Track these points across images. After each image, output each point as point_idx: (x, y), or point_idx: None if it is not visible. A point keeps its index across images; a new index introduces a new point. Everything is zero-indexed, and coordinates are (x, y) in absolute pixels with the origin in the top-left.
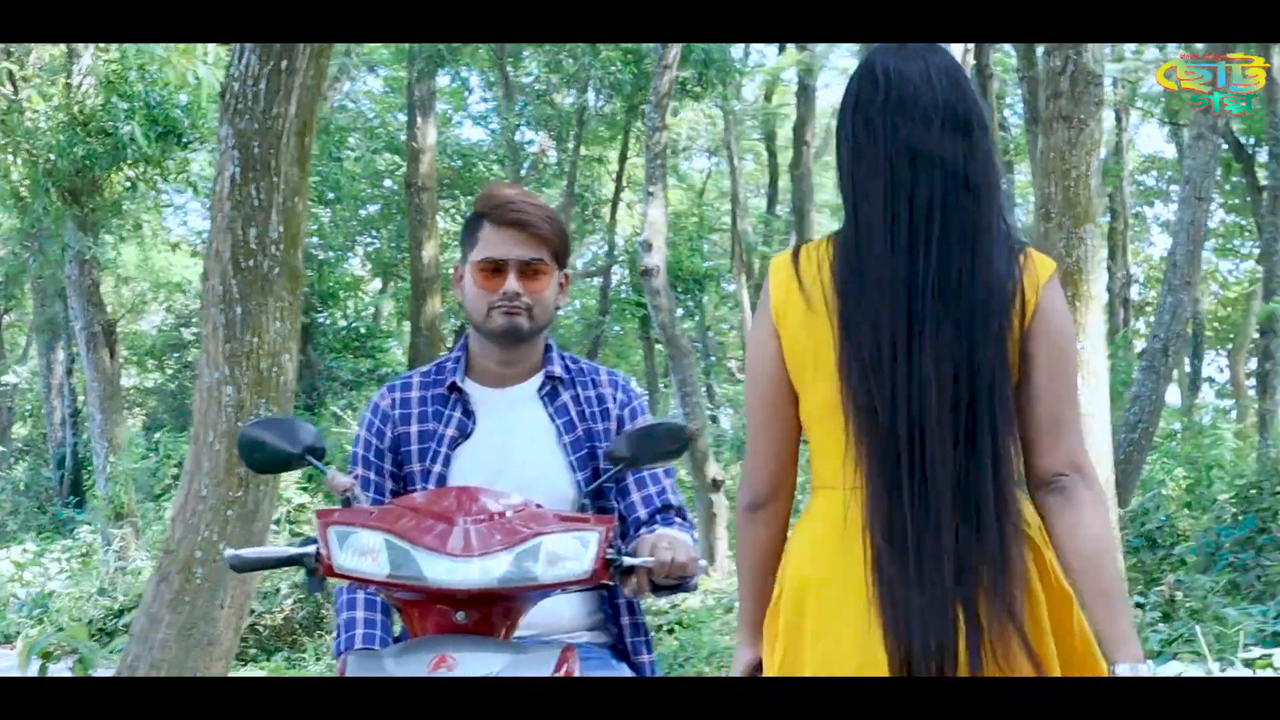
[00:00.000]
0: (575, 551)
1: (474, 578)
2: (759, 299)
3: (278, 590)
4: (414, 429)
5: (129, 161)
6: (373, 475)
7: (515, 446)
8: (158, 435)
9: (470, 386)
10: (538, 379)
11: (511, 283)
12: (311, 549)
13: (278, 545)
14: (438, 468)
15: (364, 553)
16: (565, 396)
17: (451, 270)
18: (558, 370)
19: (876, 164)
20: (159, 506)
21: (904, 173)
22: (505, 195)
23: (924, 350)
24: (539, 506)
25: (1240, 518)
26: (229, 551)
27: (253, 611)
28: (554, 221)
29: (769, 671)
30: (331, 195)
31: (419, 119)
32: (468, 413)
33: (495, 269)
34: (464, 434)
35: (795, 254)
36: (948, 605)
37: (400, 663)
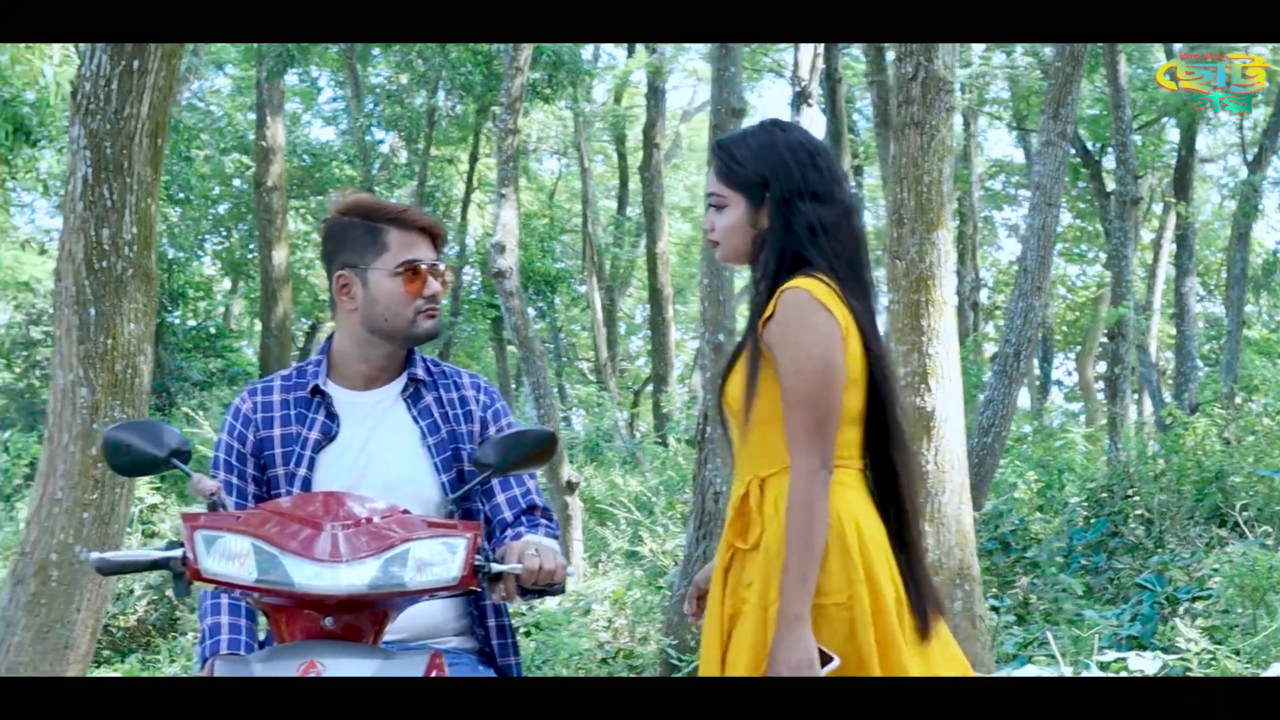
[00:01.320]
0: (443, 558)
1: (342, 583)
2: (808, 315)
3: (131, 591)
4: (277, 432)
5: None
6: (235, 479)
7: (379, 449)
8: (6, 435)
9: (333, 389)
10: (400, 382)
11: (433, 285)
12: (178, 553)
13: (142, 548)
14: (302, 471)
15: (231, 557)
16: (428, 399)
17: (336, 279)
18: (420, 373)
19: (838, 224)
20: (9, 506)
21: (854, 228)
22: (392, 203)
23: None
24: (406, 512)
25: (1091, 521)
26: (94, 555)
27: (106, 613)
28: None
29: (847, 613)
30: (182, 195)
31: (268, 118)
32: (331, 416)
33: (416, 273)
34: (328, 437)
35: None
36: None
37: (268, 668)
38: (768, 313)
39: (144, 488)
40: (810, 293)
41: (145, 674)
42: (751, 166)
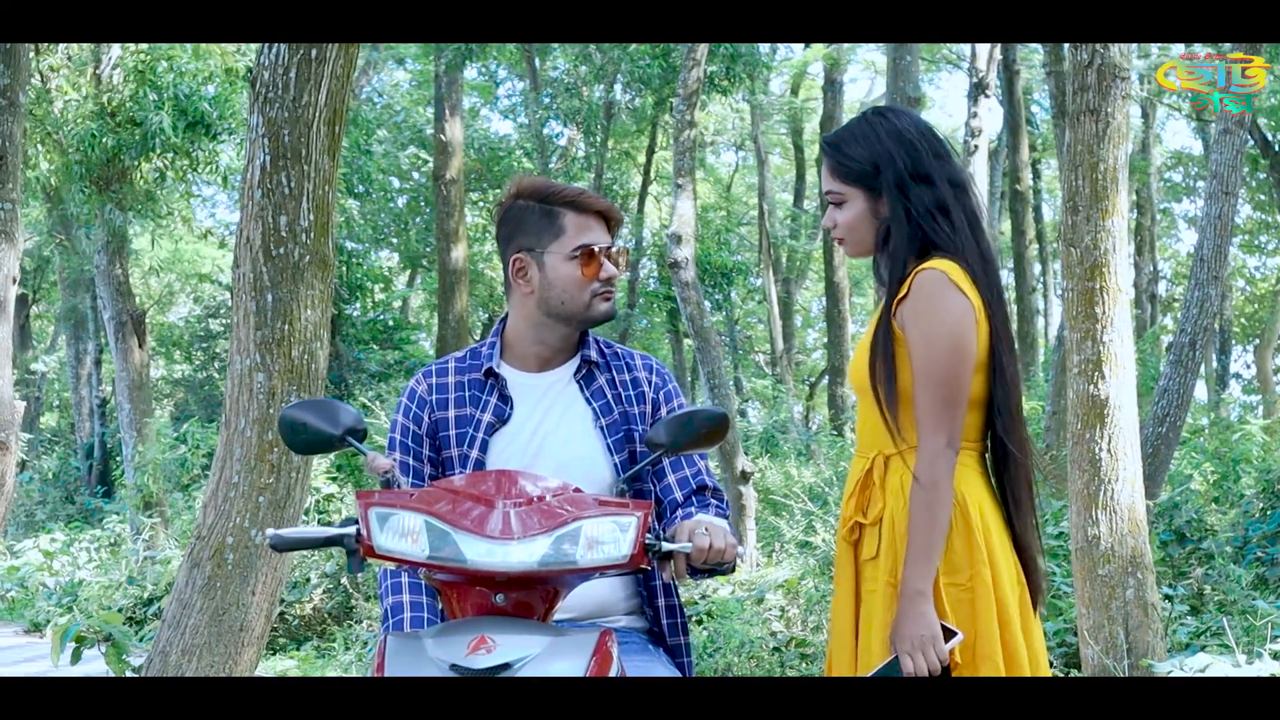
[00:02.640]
0: (614, 536)
1: (513, 560)
2: (942, 296)
3: (307, 579)
4: (451, 414)
5: (158, 152)
6: (410, 460)
7: (553, 431)
8: (186, 425)
9: (506, 371)
10: (574, 363)
11: (609, 268)
12: (352, 530)
13: (316, 526)
14: (475, 453)
15: (404, 534)
16: (601, 380)
17: (513, 263)
18: (594, 355)
19: (947, 204)
20: (187, 496)
21: (963, 205)
22: (572, 187)
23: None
24: (577, 490)
25: (1268, 512)
26: (270, 531)
27: (282, 601)
28: None
29: (968, 593)
30: (361, 188)
31: (447, 112)
32: (504, 398)
33: (592, 256)
34: (501, 419)
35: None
36: None
37: (439, 644)
38: (901, 293)
39: (320, 477)
40: (946, 274)
41: (320, 662)
42: (862, 158)
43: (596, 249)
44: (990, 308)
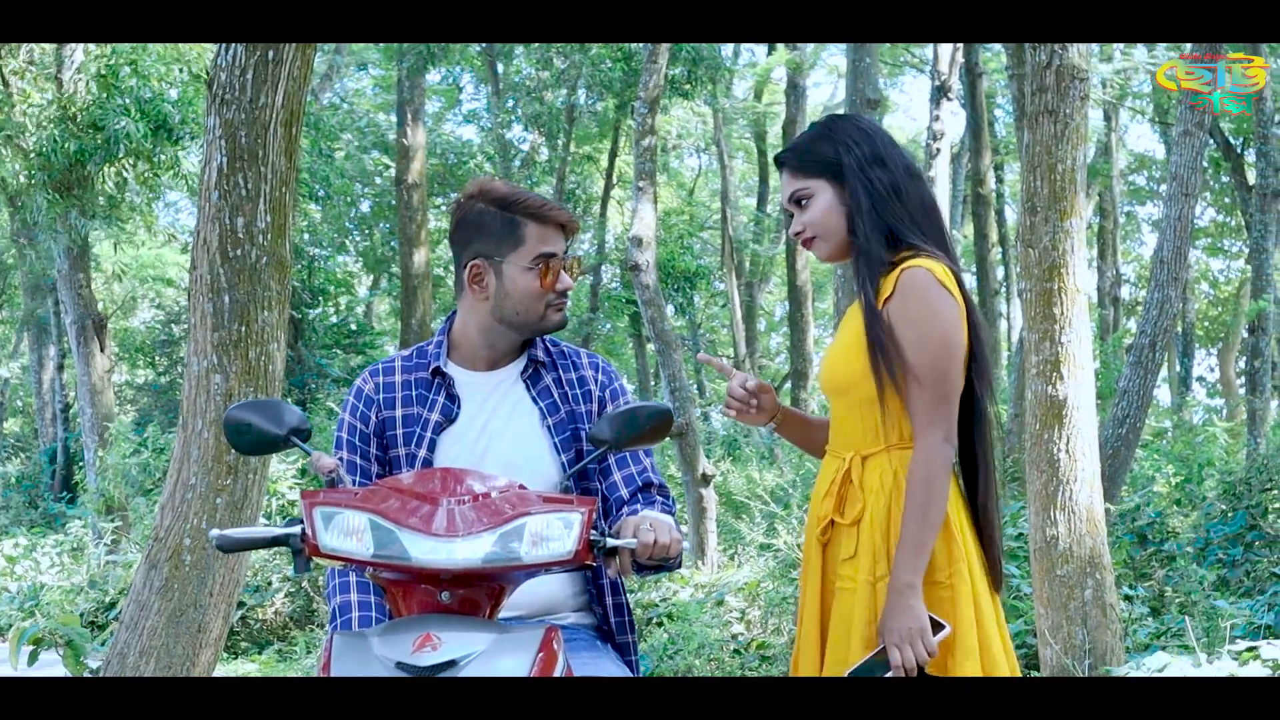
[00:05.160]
0: (559, 532)
1: (458, 558)
2: (932, 294)
3: (269, 583)
4: (399, 413)
5: (120, 157)
6: (358, 459)
7: (499, 430)
8: (148, 430)
9: (453, 370)
10: (520, 363)
11: (565, 279)
12: (297, 529)
13: (262, 526)
14: (422, 452)
15: (349, 533)
16: (548, 379)
17: (469, 268)
18: (540, 354)
19: (904, 185)
20: (150, 501)
21: (918, 189)
22: (530, 196)
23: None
24: (523, 488)
25: (1230, 514)
26: (215, 532)
27: (244, 605)
28: None
29: (955, 589)
30: (323, 192)
31: (409, 117)
32: (451, 397)
33: (550, 266)
34: (448, 419)
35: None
36: None
37: (384, 642)
38: (887, 292)
39: (289, 481)
40: (932, 273)
41: (282, 665)
42: (824, 149)
43: (557, 260)
44: (969, 304)
